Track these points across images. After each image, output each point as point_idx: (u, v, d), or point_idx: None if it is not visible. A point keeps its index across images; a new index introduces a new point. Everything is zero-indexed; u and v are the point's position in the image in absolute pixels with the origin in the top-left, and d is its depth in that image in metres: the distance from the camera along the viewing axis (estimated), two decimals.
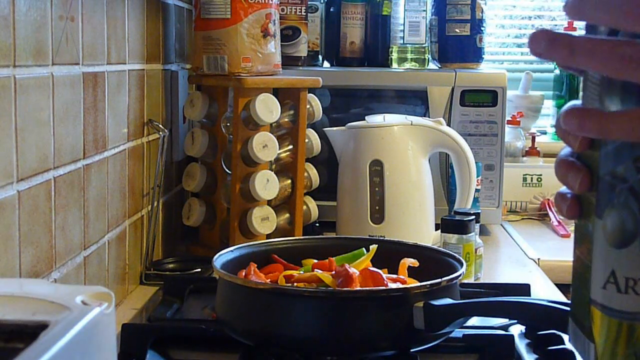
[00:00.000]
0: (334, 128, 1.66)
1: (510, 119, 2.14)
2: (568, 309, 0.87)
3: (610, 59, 0.47)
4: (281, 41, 1.64)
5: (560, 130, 0.54)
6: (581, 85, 0.54)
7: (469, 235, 1.40)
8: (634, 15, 0.46)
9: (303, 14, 1.86)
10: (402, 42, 1.97)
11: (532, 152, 2.25)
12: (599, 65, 0.48)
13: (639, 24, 0.46)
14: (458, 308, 0.97)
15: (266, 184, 1.50)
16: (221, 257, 1.09)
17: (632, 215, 0.53)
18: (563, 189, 0.56)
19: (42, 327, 0.51)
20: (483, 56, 1.96)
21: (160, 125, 1.45)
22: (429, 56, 1.98)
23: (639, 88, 0.49)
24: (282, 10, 1.81)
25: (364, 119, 1.64)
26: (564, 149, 0.55)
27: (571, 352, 1.03)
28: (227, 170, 1.57)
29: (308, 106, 1.62)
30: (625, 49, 0.47)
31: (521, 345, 1.07)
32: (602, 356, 0.56)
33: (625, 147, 0.52)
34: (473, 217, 1.42)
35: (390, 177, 1.57)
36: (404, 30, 1.98)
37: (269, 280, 1.08)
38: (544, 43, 0.50)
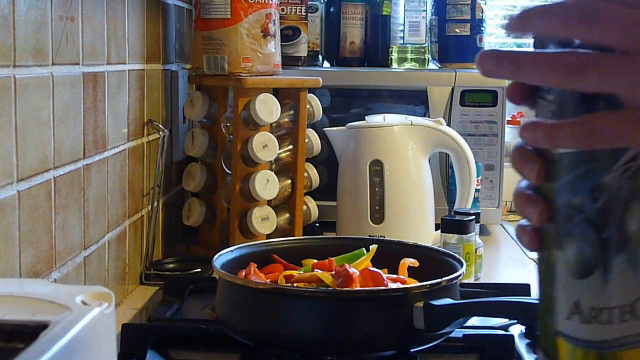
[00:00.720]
0: (334, 128, 1.66)
1: (510, 119, 2.14)
2: None
3: (553, 69, 0.48)
4: (281, 41, 1.64)
5: (515, 163, 0.54)
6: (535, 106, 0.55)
7: (469, 235, 1.40)
8: (580, 22, 0.47)
9: (303, 14, 1.86)
10: (402, 42, 1.97)
11: None
12: (542, 76, 0.49)
13: (584, 31, 0.47)
14: (458, 308, 0.97)
15: (266, 184, 1.50)
16: (221, 257, 1.09)
17: (591, 245, 0.53)
18: (523, 221, 0.56)
19: (42, 327, 0.51)
20: None
21: (160, 125, 1.45)
22: (429, 56, 1.98)
23: (585, 99, 0.50)
24: (282, 10, 1.81)
25: (364, 119, 1.64)
26: (522, 182, 0.56)
27: None
28: (227, 170, 1.57)
29: (308, 106, 1.62)
30: (567, 58, 0.47)
31: (521, 345, 1.07)
32: None
33: (581, 178, 0.52)
34: (473, 217, 1.42)
35: (390, 177, 1.57)
36: (404, 30, 1.98)
37: (269, 280, 1.08)
38: (491, 61, 0.50)
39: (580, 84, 0.48)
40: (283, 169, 1.61)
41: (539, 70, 0.48)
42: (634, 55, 0.46)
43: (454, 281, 1.02)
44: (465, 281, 1.33)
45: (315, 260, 1.13)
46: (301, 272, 1.10)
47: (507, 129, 2.01)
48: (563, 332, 0.56)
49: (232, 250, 1.13)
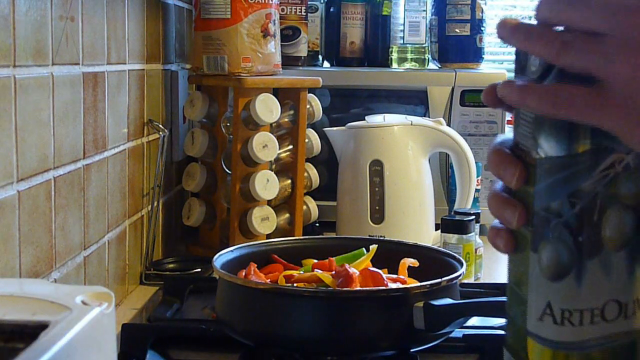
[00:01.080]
0: (334, 128, 1.66)
1: (510, 118, 2.14)
2: None
3: (544, 44, 0.52)
4: (281, 41, 1.64)
5: (493, 166, 0.57)
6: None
7: (469, 235, 1.40)
8: (568, 6, 0.52)
9: (303, 14, 1.86)
10: (402, 42, 1.97)
11: None
12: (535, 49, 0.54)
13: (570, 14, 0.52)
14: (458, 308, 0.97)
15: (266, 184, 1.50)
16: (221, 257, 1.09)
17: (567, 249, 0.55)
18: (495, 222, 0.58)
19: (42, 327, 0.51)
20: (483, 56, 1.96)
21: (160, 125, 1.45)
22: (429, 56, 1.98)
23: (563, 74, 0.53)
24: (282, 10, 1.81)
25: (364, 119, 1.64)
26: (497, 184, 0.57)
27: None
28: (227, 170, 1.57)
29: (308, 106, 1.62)
30: (562, 36, 0.52)
31: None
32: None
33: (560, 183, 0.54)
34: (473, 217, 1.42)
35: (390, 177, 1.57)
36: (404, 30, 1.98)
37: (269, 280, 1.08)
38: (508, 28, 0.55)
39: (559, 59, 0.52)
40: (283, 169, 1.61)
41: (540, 41, 0.53)
42: (608, 36, 0.50)
43: (454, 281, 1.02)
44: (465, 281, 1.33)
45: (315, 260, 1.13)
46: (301, 272, 1.10)
47: (507, 129, 2.01)
48: (534, 332, 0.57)
49: (232, 250, 1.13)
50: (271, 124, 1.54)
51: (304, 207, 1.63)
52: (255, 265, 1.10)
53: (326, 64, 2.02)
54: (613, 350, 0.56)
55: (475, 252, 1.42)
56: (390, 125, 1.59)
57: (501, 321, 1.12)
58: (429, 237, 1.58)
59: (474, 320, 1.11)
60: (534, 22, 0.55)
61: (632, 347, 0.57)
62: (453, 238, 1.40)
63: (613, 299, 0.56)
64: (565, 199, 0.54)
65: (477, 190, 1.64)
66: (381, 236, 1.53)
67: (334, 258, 1.11)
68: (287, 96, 1.59)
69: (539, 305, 0.56)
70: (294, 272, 1.09)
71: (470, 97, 1.79)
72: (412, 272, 1.11)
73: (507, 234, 0.58)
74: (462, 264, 1.07)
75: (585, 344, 0.56)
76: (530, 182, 0.55)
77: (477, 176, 1.63)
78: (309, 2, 1.88)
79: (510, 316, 0.61)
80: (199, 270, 1.42)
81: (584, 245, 0.54)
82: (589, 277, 0.55)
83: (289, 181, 1.61)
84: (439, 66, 1.96)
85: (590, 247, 0.54)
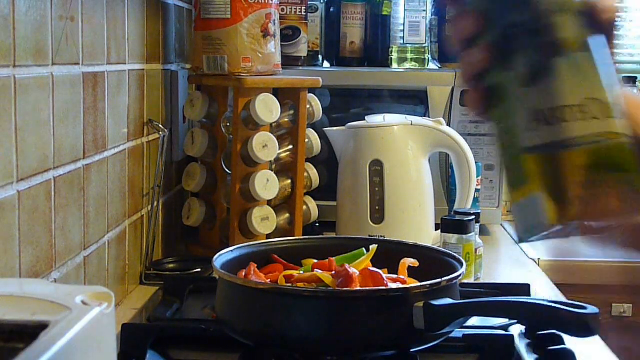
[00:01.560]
0: (334, 128, 1.66)
1: None
2: (568, 309, 0.88)
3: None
4: (281, 41, 1.64)
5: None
6: None
7: (469, 235, 1.40)
8: None
9: (303, 14, 1.86)
10: (402, 42, 1.97)
11: None
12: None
13: None
14: (458, 308, 0.97)
15: (266, 184, 1.50)
16: (221, 257, 1.09)
17: (534, 51, 0.64)
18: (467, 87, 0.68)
19: (42, 327, 0.51)
20: None
21: (160, 125, 1.45)
22: (429, 56, 1.98)
23: None
24: (282, 10, 1.81)
25: (364, 119, 1.64)
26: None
27: (571, 352, 1.03)
28: (227, 170, 1.57)
29: (308, 106, 1.62)
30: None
31: (521, 345, 1.07)
32: (550, 197, 0.62)
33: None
34: (473, 217, 1.42)
35: (390, 177, 1.57)
36: (404, 30, 1.98)
37: (269, 280, 1.08)
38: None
39: None
40: (283, 169, 1.61)
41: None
42: None
43: (454, 281, 1.02)
44: (465, 281, 1.33)
45: (315, 260, 1.13)
46: (301, 272, 1.10)
47: None
48: (525, 146, 0.64)
49: (232, 250, 1.13)
50: (271, 124, 1.53)
51: (304, 207, 1.63)
52: (255, 265, 1.10)
53: (326, 64, 2.02)
54: (601, 149, 0.62)
55: (475, 252, 1.42)
56: (390, 125, 1.59)
57: (501, 321, 1.12)
58: (429, 237, 1.58)
59: (474, 320, 1.12)
60: None
61: (621, 148, 0.62)
62: (453, 238, 1.40)
63: (591, 97, 0.63)
64: (522, 10, 0.64)
65: (477, 190, 1.64)
66: (381, 236, 1.53)
67: (334, 258, 1.11)
68: (287, 96, 1.59)
69: (525, 116, 0.64)
70: (294, 272, 1.09)
71: None
72: (412, 272, 1.11)
73: (480, 90, 0.67)
74: (462, 264, 1.07)
75: (573, 142, 0.61)
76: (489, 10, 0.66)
77: (477, 176, 1.63)
78: (309, 2, 1.88)
79: (505, 161, 0.67)
80: (199, 270, 1.42)
81: (547, 46, 0.64)
82: (560, 76, 0.63)
83: (289, 181, 1.61)
84: (439, 66, 1.96)
85: (552, 48, 0.63)
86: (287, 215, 1.61)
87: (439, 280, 0.99)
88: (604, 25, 0.66)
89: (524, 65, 0.64)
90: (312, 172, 1.66)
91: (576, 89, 0.63)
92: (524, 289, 1.27)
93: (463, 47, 0.67)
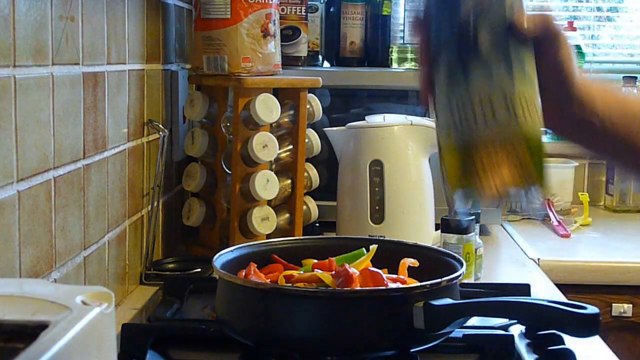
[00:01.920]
0: (334, 128, 1.66)
1: None
2: (568, 309, 0.89)
3: None
4: (281, 41, 1.64)
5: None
6: None
7: (469, 235, 1.40)
8: None
9: (303, 14, 1.86)
10: (402, 42, 1.97)
11: None
12: None
13: None
14: (458, 308, 0.97)
15: (266, 184, 1.50)
16: (221, 257, 1.09)
17: (455, 55, 0.75)
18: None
19: (42, 327, 0.51)
20: None
21: (160, 125, 1.45)
22: None
23: None
24: (282, 10, 1.81)
25: (364, 119, 1.64)
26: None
27: (571, 352, 1.03)
28: (227, 170, 1.57)
29: (308, 106, 1.62)
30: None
31: (521, 345, 1.07)
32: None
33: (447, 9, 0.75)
34: (473, 217, 1.42)
35: (390, 177, 1.57)
36: (404, 30, 1.98)
37: (269, 280, 1.08)
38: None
39: None
40: (283, 169, 1.61)
41: None
42: None
43: (454, 281, 1.02)
44: (465, 281, 1.33)
45: (315, 260, 1.13)
46: (301, 272, 1.10)
47: None
48: (446, 142, 0.76)
49: (232, 250, 1.13)
50: (271, 124, 1.54)
51: (304, 207, 1.63)
52: (255, 265, 1.10)
53: (326, 64, 2.02)
54: (506, 142, 0.73)
55: (475, 252, 1.42)
56: (390, 125, 1.59)
57: (501, 321, 1.12)
58: (429, 237, 1.58)
59: (474, 320, 1.11)
60: None
61: (522, 141, 0.73)
62: (453, 238, 1.40)
63: (497, 99, 0.73)
64: (450, 20, 0.75)
65: None
66: (381, 236, 1.53)
67: (334, 258, 1.11)
68: (287, 96, 1.59)
69: (445, 114, 0.76)
70: (294, 272, 1.09)
71: None
72: (412, 272, 1.11)
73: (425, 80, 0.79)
74: (462, 264, 1.07)
75: (479, 139, 0.73)
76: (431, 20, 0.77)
77: None
78: (309, 2, 1.88)
79: (437, 147, 0.79)
80: (199, 270, 1.42)
81: (464, 52, 0.74)
82: (474, 80, 0.74)
83: (289, 181, 1.61)
84: None
85: (469, 54, 0.74)
86: (287, 215, 1.61)
87: (439, 280, 0.99)
88: (528, 40, 0.76)
89: (446, 66, 0.75)
90: (312, 172, 1.66)
91: (484, 91, 0.73)
92: (524, 289, 1.27)
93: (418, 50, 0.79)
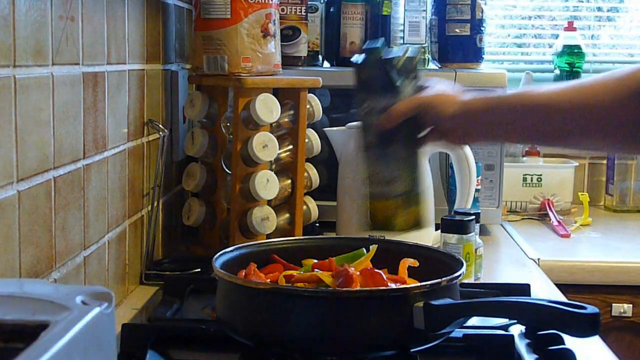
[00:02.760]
0: (334, 128, 1.66)
1: None
2: (568, 309, 0.89)
3: None
4: (281, 41, 1.64)
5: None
6: None
7: (469, 235, 1.40)
8: None
9: (303, 14, 1.86)
10: (402, 42, 1.97)
11: (532, 152, 2.25)
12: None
13: None
14: (458, 308, 0.97)
15: (266, 184, 1.50)
16: (221, 257, 1.09)
17: (367, 132, 1.21)
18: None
19: (42, 327, 0.51)
20: (483, 56, 1.96)
21: (160, 125, 1.45)
22: (429, 56, 1.98)
23: None
24: (282, 10, 1.81)
25: None
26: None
27: (571, 352, 1.03)
28: (227, 170, 1.57)
29: (308, 106, 1.62)
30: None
31: (521, 345, 1.07)
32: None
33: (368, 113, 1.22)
34: (473, 217, 1.42)
35: None
36: (404, 30, 1.98)
37: (269, 280, 1.08)
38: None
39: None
40: (283, 169, 1.61)
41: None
42: None
43: (454, 281, 1.02)
44: (465, 281, 1.33)
45: (315, 260, 1.13)
46: (301, 272, 1.10)
47: None
48: (368, 193, 1.20)
49: (232, 250, 1.13)
50: (271, 124, 1.54)
51: (304, 207, 1.63)
52: (255, 265, 1.10)
53: (326, 64, 2.02)
54: (403, 200, 1.20)
55: (475, 252, 1.42)
56: None
57: (501, 321, 1.12)
58: (429, 237, 1.58)
59: (474, 320, 1.11)
60: None
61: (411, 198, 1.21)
62: (453, 238, 1.40)
63: (398, 167, 1.19)
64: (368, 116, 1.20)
65: (477, 190, 1.64)
66: (381, 236, 1.53)
67: (334, 258, 1.11)
68: (287, 96, 1.59)
69: (365, 172, 1.19)
70: (294, 272, 1.09)
71: None
72: (412, 272, 1.11)
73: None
74: (462, 264, 1.07)
75: (387, 193, 1.19)
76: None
77: (477, 176, 1.63)
78: (309, 2, 1.88)
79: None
80: (199, 270, 1.42)
81: (368, 138, 1.19)
82: (372, 155, 1.19)
83: (289, 181, 1.61)
84: (439, 66, 1.96)
85: (371, 139, 1.19)
86: (287, 215, 1.61)
87: (439, 280, 0.99)
88: (398, 132, 1.17)
89: (362, 138, 1.20)
90: (312, 172, 1.66)
91: (377, 163, 1.19)
92: (524, 289, 1.27)
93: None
